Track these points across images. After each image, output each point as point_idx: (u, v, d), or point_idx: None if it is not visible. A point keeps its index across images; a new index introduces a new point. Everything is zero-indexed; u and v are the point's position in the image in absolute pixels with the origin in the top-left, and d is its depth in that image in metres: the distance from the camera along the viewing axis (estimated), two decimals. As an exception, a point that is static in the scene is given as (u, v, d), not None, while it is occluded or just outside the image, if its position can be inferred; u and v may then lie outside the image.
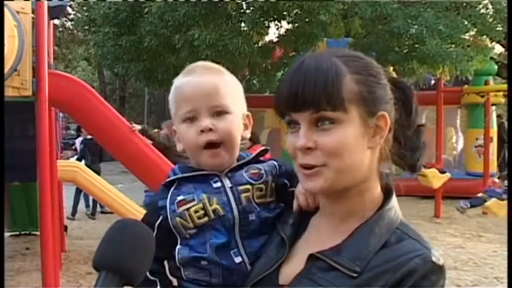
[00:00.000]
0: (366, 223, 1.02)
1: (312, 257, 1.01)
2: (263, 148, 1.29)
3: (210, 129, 1.16)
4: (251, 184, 1.18)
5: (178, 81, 1.22)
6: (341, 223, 1.04)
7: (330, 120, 0.97)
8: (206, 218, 1.15)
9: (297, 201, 1.15)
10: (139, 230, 0.93)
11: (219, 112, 1.18)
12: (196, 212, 1.15)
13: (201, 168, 1.20)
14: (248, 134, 1.26)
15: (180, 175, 1.20)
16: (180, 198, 1.16)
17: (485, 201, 8.46)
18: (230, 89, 1.21)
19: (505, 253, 6.39)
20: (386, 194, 1.07)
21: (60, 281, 5.33)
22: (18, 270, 6.25)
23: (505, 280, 5.27)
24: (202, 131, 1.16)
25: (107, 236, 0.91)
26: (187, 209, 1.15)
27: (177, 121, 1.22)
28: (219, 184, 1.18)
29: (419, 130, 1.10)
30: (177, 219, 1.15)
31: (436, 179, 9.04)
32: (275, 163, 1.25)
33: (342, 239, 1.01)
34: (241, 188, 1.18)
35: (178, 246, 1.17)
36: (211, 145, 1.17)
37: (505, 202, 8.02)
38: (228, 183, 1.18)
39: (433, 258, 0.96)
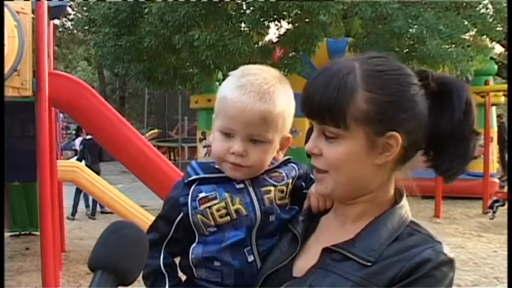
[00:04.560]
0: (378, 218, 1.05)
1: (326, 250, 1.04)
2: (288, 157, 1.27)
3: (241, 155, 1.13)
4: (274, 186, 1.19)
5: (228, 89, 1.15)
6: (352, 224, 1.08)
7: (332, 133, 1.01)
8: (228, 217, 1.15)
9: (308, 202, 1.18)
10: (134, 232, 0.94)
11: (256, 140, 1.14)
12: (218, 210, 1.14)
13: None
14: (281, 156, 1.23)
15: (202, 175, 1.18)
16: (202, 195, 1.15)
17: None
18: (276, 120, 1.14)
19: (505, 253, 6.39)
20: (398, 194, 1.10)
21: (60, 281, 5.32)
22: (18, 270, 6.25)
23: (505, 280, 5.26)
24: (233, 153, 1.13)
25: (102, 237, 0.92)
26: (209, 207, 1.14)
27: (215, 123, 1.18)
28: (241, 185, 1.17)
29: (468, 137, 1.03)
30: (199, 216, 1.15)
31: None
32: (294, 165, 1.24)
33: (354, 235, 1.04)
34: (264, 189, 1.18)
35: (194, 245, 1.17)
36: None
37: None
38: (250, 184, 1.18)
39: (445, 251, 0.99)
